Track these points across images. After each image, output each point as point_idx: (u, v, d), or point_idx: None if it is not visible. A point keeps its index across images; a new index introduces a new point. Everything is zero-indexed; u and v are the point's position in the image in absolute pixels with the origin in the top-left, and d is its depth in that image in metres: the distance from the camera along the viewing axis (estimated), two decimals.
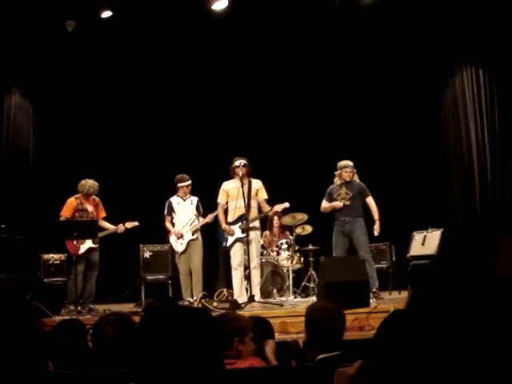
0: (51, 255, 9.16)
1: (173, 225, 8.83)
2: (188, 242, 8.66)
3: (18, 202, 10.13)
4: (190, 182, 8.82)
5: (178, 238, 8.70)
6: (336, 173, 8.53)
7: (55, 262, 9.06)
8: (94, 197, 8.67)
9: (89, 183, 8.56)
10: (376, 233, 8.34)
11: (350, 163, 8.48)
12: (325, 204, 8.55)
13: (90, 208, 8.58)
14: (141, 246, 9.64)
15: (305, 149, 11.22)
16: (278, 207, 8.17)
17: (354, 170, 8.49)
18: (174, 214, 8.83)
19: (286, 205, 8.14)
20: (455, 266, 0.66)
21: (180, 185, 8.79)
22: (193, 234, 8.67)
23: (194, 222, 8.72)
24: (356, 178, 8.54)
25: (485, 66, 10.21)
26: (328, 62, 10.92)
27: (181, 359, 1.37)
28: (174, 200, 8.86)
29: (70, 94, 10.97)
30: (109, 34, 10.00)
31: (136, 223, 8.65)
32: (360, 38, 10.42)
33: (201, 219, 8.74)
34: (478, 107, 10.17)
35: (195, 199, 8.88)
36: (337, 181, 8.56)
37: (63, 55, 10.32)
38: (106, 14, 9.53)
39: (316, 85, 11.21)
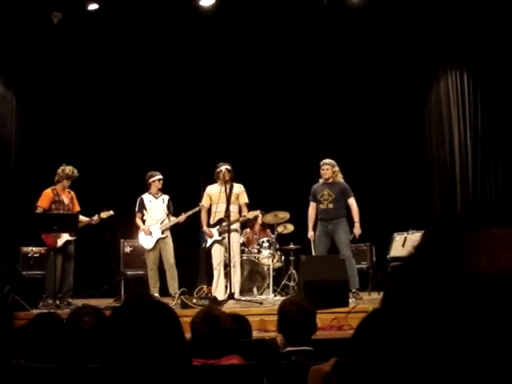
0: (30, 248, 9.08)
1: (143, 222, 8.83)
2: (157, 240, 8.68)
3: None
4: (160, 176, 8.86)
5: (146, 235, 8.70)
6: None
7: (34, 255, 8.98)
8: (68, 190, 8.59)
9: (69, 167, 8.49)
10: (356, 235, 8.39)
11: (328, 161, 8.53)
12: (310, 212, 8.61)
13: (66, 200, 8.49)
14: (121, 241, 9.61)
15: (288, 148, 11.25)
16: (250, 214, 8.51)
17: (336, 169, 8.52)
18: (144, 211, 8.85)
19: (257, 212, 8.62)
20: (430, 262, 0.66)
21: (152, 179, 8.81)
22: (162, 233, 8.71)
23: (164, 220, 8.75)
24: (340, 178, 8.57)
25: (469, 70, 10.30)
26: (314, 63, 10.95)
27: (147, 352, 1.37)
28: (146, 197, 8.87)
29: (53, 85, 10.89)
30: (95, 26, 9.93)
31: (111, 212, 8.60)
32: (347, 39, 10.45)
33: (172, 218, 8.80)
34: (461, 110, 10.26)
35: (166, 198, 8.93)
36: (320, 180, 8.60)
37: (48, 47, 10.24)
38: (93, 6, 9.47)
39: (302, 84, 11.23)
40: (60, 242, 8.21)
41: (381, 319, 0.70)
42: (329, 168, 8.46)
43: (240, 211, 8.50)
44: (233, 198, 8.29)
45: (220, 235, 8.34)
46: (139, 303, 1.51)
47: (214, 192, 8.48)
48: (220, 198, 8.31)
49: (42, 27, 9.70)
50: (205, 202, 8.57)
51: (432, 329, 0.62)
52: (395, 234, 9.23)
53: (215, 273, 8.33)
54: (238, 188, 8.44)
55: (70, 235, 8.32)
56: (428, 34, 10.19)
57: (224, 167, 8.34)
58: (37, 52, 10.33)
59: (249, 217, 8.58)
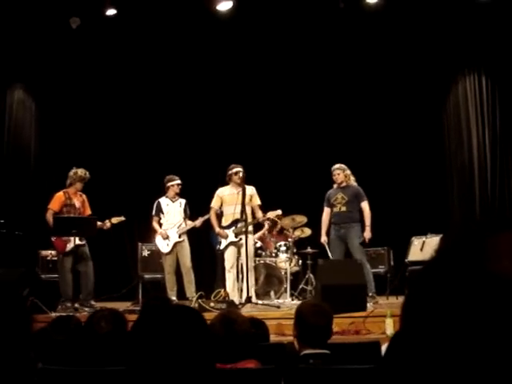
0: (49, 251, 9.14)
1: (160, 225, 8.85)
2: (174, 244, 8.70)
3: (18, 198, 10.13)
4: (179, 181, 8.87)
5: (164, 239, 8.72)
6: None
7: (53, 259, 9.03)
8: (80, 193, 8.59)
9: (80, 169, 8.50)
10: (366, 239, 8.35)
11: (338, 165, 8.56)
12: (324, 217, 8.64)
13: (77, 203, 8.48)
14: (139, 244, 9.66)
15: (305, 152, 11.23)
16: (271, 214, 8.35)
17: (348, 173, 8.53)
18: (161, 215, 8.86)
19: (279, 212, 8.33)
20: (453, 264, 0.66)
21: (170, 184, 8.82)
22: (179, 237, 8.72)
23: (181, 224, 8.76)
24: (353, 182, 8.56)
25: (487, 73, 10.23)
26: (331, 66, 10.93)
27: (176, 358, 1.37)
28: (163, 201, 8.89)
29: (72, 91, 10.99)
30: (113, 32, 10.00)
31: (122, 218, 8.58)
32: (364, 42, 10.42)
33: (188, 222, 8.80)
34: (479, 113, 10.19)
35: (183, 201, 8.93)
36: (334, 185, 8.61)
37: (67, 52, 10.33)
38: (111, 11, 9.54)
39: (319, 88, 11.22)
40: (69, 247, 8.19)
41: (405, 321, 0.70)
42: (340, 172, 8.48)
43: (253, 213, 8.45)
44: (246, 200, 8.25)
45: (236, 236, 8.23)
46: (163, 308, 1.51)
47: (226, 194, 8.41)
48: (233, 199, 8.25)
49: (61, 33, 9.77)
50: (215, 204, 8.49)
51: (456, 328, 0.62)
52: (413, 238, 9.18)
53: (229, 275, 8.26)
54: (251, 190, 8.39)
55: (80, 239, 8.28)
56: (446, 37, 10.13)
57: (237, 169, 8.32)
58: (55, 57, 10.42)
59: (269, 216, 8.48)
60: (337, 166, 8.57)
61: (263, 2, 9.68)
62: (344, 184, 8.50)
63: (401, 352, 0.71)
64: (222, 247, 8.45)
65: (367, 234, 8.33)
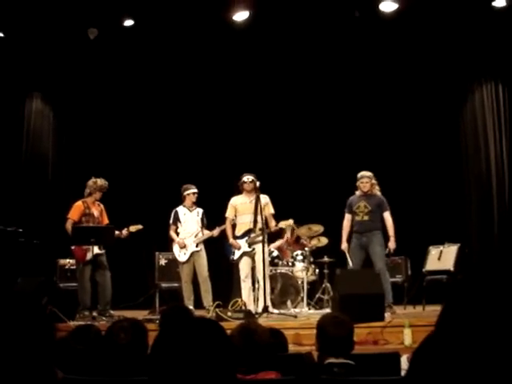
0: (67, 260, 9.21)
1: (177, 234, 8.87)
2: (192, 253, 8.72)
3: (36, 207, 10.22)
4: (195, 190, 8.89)
5: (181, 248, 8.74)
6: (357, 184, 8.53)
7: (71, 268, 9.09)
8: (98, 203, 8.64)
9: (100, 179, 8.55)
10: (391, 250, 8.28)
11: (367, 173, 8.46)
12: (345, 223, 8.54)
13: (95, 213, 8.53)
14: (156, 253, 9.70)
15: (322, 161, 11.24)
16: (283, 223, 8.41)
17: (374, 182, 8.45)
18: (179, 224, 8.87)
19: (290, 222, 8.39)
20: (487, 285, 0.67)
21: (186, 192, 8.84)
22: (197, 246, 8.73)
23: (198, 233, 8.78)
24: (377, 191, 8.50)
25: (504, 82, 10.18)
26: (347, 75, 10.94)
27: (197, 370, 1.38)
28: (181, 210, 8.91)
29: (90, 100, 11.08)
30: (130, 42, 10.08)
31: (140, 226, 8.59)
32: (380, 51, 10.41)
33: (205, 231, 8.81)
34: (497, 122, 10.14)
35: (201, 211, 8.95)
36: (357, 192, 8.55)
37: (85, 62, 10.42)
38: (128, 22, 9.62)
39: (335, 97, 11.23)
40: (89, 256, 8.21)
41: (441, 337, 0.70)
42: (368, 181, 8.41)
43: (266, 222, 8.43)
44: (259, 209, 8.22)
45: (249, 246, 8.25)
46: (188, 320, 1.52)
47: (239, 203, 8.42)
48: (246, 208, 8.26)
49: (79, 43, 9.87)
50: (229, 214, 8.51)
51: (490, 342, 0.63)
52: (431, 248, 9.14)
53: (244, 285, 8.25)
54: (264, 199, 8.38)
55: (99, 248, 8.32)
56: (462, 46, 10.10)
57: (248, 177, 8.33)
58: (73, 67, 10.52)
59: (281, 226, 8.49)
60: (366, 173, 8.47)
61: (279, 11, 9.70)
62: (369, 193, 8.46)
63: (434, 357, 0.72)
64: (235, 257, 8.47)
65: (392, 245, 8.24)
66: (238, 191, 8.55)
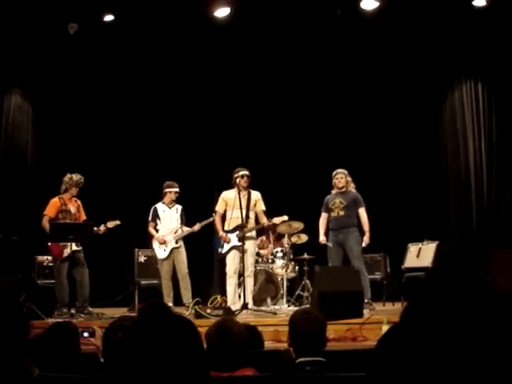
0: (45, 257, 9.12)
1: (156, 231, 8.84)
2: (171, 250, 8.69)
3: (14, 203, 10.12)
4: (177, 189, 8.84)
5: (161, 244, 8.71)
6: (332, 181, 8.60)
7: (49, 264, 9.01)
8: (75, 199, 8.55)
9: (75, 175, 8.44)
10: (364, 244, 8.37)
11: (341, 170, 8.57)
12: (321, 221, 8.64)
13: (72, 209, 8.44)
14: (136, 250, 9.65)
15: (302, 158, 11.25)
16: (277, 220, 8.35)
17: (349, 179, 8.54)
18: (158, 221, 8.84)
19: (285, 218, 8.35)
20: (451, 280, 0.67)
21: (169, 190, 8.79)
22: (176, 242, 8.71)
23: (178, 230, 8.76)
24: (352, 188, 8.57)
25: (484, 81, 10.26)
26: (328, 73, 10.96)
27: (167, 367, 1.37)
28: (160, 207, 8.87)
29: (70, 96, 10.99)
30: (110, 37, 10.03)
31: (117, 222, 8.49)
32: (361, 49, 10.45)
33: (184, 228, 8.78)
34: (476, 121, 10.21)
35: (180, 207, 8.92)
36: (333, 191, 8.61)
37: (64, 58, 10.34)
38: (108, 17, 9.56)
39: (316, 94, 11.25)
40: (66, 253, 8.15)
41: (402, 334, 0.71)
42: (343, 177, 8.49)
43: (257, 218, 8.44)
44: (251, 205, 8.26)
45: (239, 241, 8.17)
46: (159, 316, 1.52)
47: (230, 197, 8.35)
48: (236, 203, 8.16)
49: (59, 38, 9.79)
50: (219, 208, 8.48)
51: (455, 344, 0.63)
52: (410, 245, 9.20)
53: (230, 281, 8.21)
54: (256, 195, 8.39)
55: (77, 245, 8.25)
56: (442, 45, 10.17)
57: (243, 172, 8.29)
58: (53, 63, 10.43)
59: (274, 222, 8.46)
60: (340, 170, 8.58)
61: (261, 8, 9.71)
62: (344, 189, 8.51)
63: (395, 348, 0.72)
64: (224, 251, 8.38)
65: (366, 240, 8.35)
66: (229, 185, 8.48)
